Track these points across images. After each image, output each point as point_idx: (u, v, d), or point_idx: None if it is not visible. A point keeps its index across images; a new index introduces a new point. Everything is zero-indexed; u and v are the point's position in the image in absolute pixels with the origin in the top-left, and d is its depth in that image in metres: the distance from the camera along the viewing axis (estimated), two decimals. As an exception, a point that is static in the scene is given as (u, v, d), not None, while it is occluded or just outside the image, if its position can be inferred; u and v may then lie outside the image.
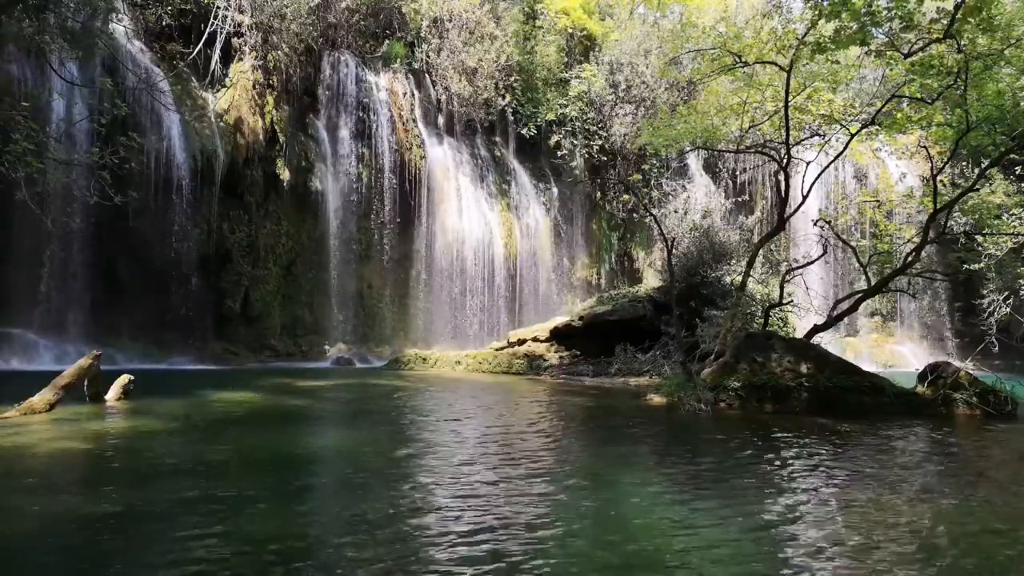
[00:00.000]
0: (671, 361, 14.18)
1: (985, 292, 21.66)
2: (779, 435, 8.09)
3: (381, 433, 7.99)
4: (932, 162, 14.95)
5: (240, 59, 20.39)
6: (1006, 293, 20.81)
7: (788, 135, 12.60)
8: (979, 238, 18.20)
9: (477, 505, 4.74)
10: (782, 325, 17.06)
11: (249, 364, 18.72)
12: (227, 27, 19.82)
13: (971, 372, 11.05)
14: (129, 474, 5.52)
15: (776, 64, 12.65)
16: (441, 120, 24.91)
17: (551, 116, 26.16)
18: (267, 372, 16.34)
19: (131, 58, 18.00)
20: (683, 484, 5.53)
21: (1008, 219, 17.18)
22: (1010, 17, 10.97)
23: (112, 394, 9.37)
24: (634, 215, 27.12)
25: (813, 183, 13.46)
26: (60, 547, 3.87)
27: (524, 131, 26.01)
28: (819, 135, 14.28)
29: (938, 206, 12.16)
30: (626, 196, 26.64)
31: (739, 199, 27.52)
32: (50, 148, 13.85)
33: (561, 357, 17.60)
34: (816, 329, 12.57)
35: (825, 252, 14.73)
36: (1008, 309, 20.97)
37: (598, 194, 27.96)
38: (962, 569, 3.78)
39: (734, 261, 17.65)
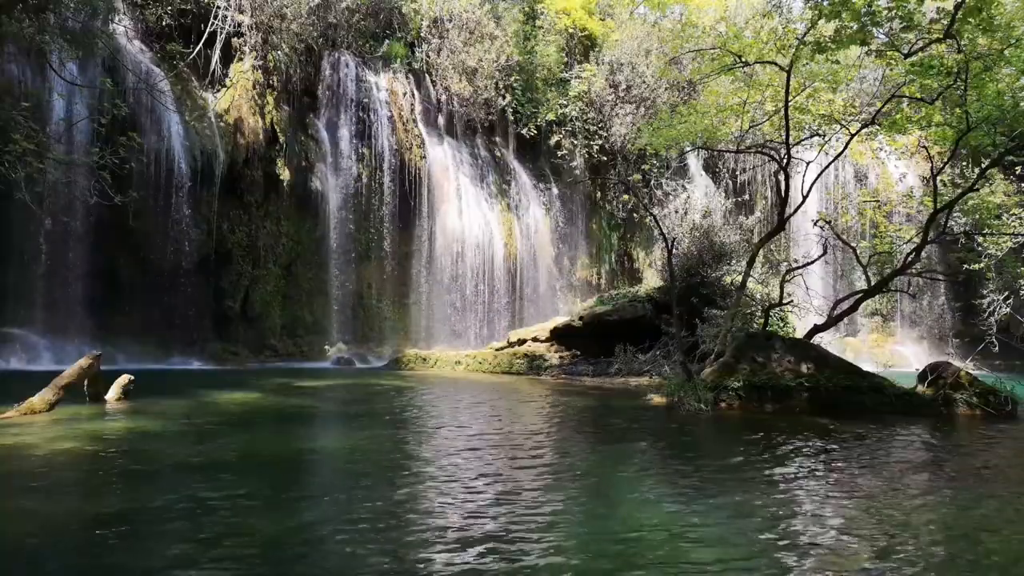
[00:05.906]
0: (671, 361, 14.18)
1: (985, 292, 21.64)
2: (779, 435, 8.08)
3: (381, 433, 7.99)
4: (932, 162, 14.95)
5: (240, 59, 20.39)
6: (1006, 293, 20.79)
7: (788, 135, 12.59)
8: (979, 238, 18.20)
9: (478, 503, 4.74)
10: (782, 325, 17.05)
11: (249, 364, 18.73)
12: (227, 27, 19.82)
13: (971, 372, 11.05)
14: (129, 474, 5.52)
15: (776, 64, 12.64)
16: (441, 120, 24.90)
17: (551, 116, 26.14)
18: (267, 372, 16.34)
19: (131, 58, 18.01)
20: (683, 484, 5.53)
21: (1008, 219, 17.19)
22: (1010, 17, 10.99)
23: (112, 394, 9.37)
24: (634, 215, 27.12)
25: (813, 183, 13.46)
26: (59, 548, 3.87)
27: (524, 131, 25.99)
28: (819, 135, 14.27)
29: (938, 206, 12.16)
30: (626, 196, 26.63)
31: (739, 199, 27.54)
32: (50, 148, 13.88)
33: (561, 357, 17.60)
34: (816, 329, 12.56)
35: (825, 252, 14.72)
36: (1008, 309, 20.96)
37: (598, 194, 27.96)
38: (965, 567, 3.78)
39: (734, 261, 17.66)
